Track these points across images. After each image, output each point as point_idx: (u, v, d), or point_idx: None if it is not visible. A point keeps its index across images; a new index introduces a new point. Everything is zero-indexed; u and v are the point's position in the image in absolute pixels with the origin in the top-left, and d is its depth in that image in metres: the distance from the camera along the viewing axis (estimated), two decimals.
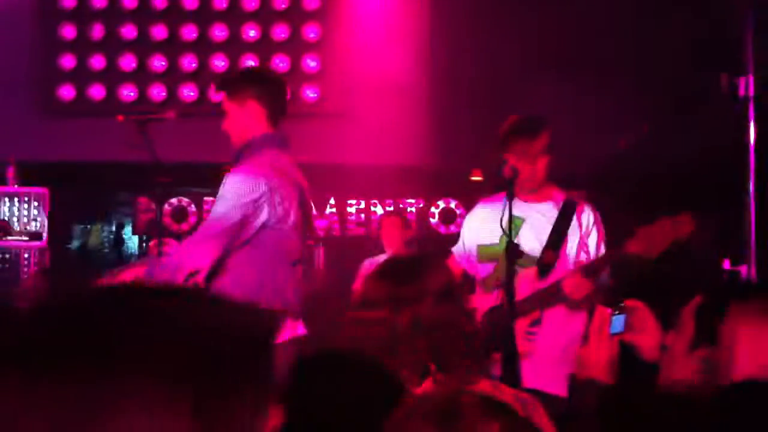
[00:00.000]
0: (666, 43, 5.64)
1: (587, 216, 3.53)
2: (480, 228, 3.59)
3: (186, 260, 3.19)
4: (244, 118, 3.37)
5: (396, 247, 5.65)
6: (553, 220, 3.50)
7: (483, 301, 3.32)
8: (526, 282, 3.33)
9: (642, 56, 6.01)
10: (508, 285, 3.09)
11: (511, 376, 2.98)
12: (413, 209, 7.13)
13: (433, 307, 1.92)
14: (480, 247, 3.57)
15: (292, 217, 3.33)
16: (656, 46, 5.81)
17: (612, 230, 3.59)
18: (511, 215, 3.13)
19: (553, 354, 3.32)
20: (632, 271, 3.57)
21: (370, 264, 5.55)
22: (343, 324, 2.01)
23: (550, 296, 3.35)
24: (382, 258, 5.48)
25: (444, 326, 1.92)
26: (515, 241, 3.19)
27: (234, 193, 3.23)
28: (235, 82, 3.50)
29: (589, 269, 3.31)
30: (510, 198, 3.15)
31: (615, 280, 3.50)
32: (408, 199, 7.11)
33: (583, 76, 5.58)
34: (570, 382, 2.81)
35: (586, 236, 3.50)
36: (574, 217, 3.50)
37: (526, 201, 3.45)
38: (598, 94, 5.51)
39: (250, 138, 3.36)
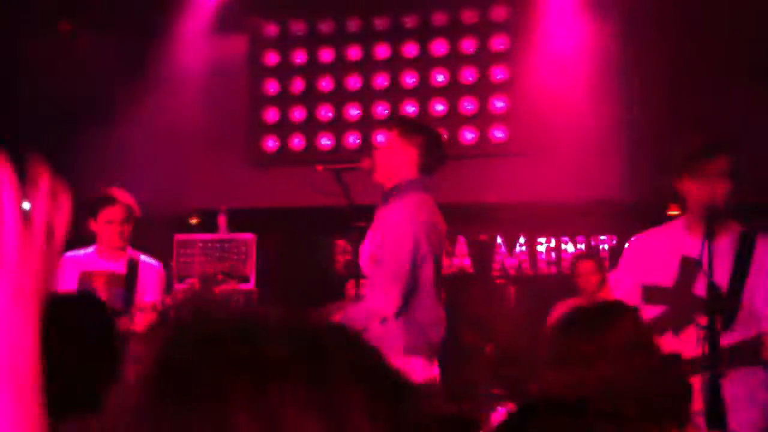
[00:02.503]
0: None
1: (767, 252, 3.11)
2: (647, 265, 3.23)
3: (374, 310, 3.42)
4: (401, 160, 3.61)
5: (591, 290, 5.54)
6: (731, 259, 3.07)
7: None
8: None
9: None
10: (711, 334, 2.79)
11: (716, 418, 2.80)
12: (606, 246, 6.98)
13: (627, 360, 1.85)
14: (647, 287, 3.21)
15: (436, 257, 3.52)
16: None
17: None
18: (710, 255, 2.85)
19: (742, 397, 3.02)
20: None
21: (562, 307, 5.48)
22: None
23: (745, 353, 2.93)
24: (573, 302, 5.41)
25: (644, 377, 1.86)
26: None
27: (401, 236, 3.43)
28: (409, 124, 3.75)
29: None
30: (710, 237, 2.88)
31: None
32: (600, 235, 6.96)
33: None
34: None
35: (765, 277, 3.07)
36: (754, 253, 3.08)
37: (700, 236, 2.97)
38: None
39: (399, 180, 3.56)
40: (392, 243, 3.49)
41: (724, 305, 2.97)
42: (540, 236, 7.06)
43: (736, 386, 2.94)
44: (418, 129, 3.80)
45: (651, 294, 3.17)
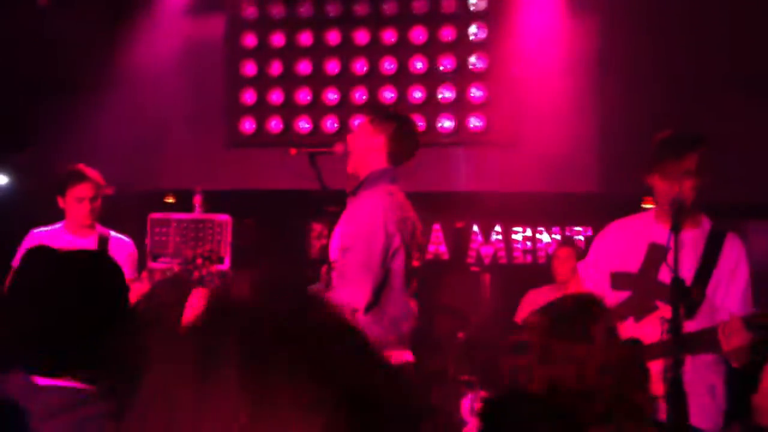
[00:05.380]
0: None
1: (735, 249, 3.21)
2: (616, 253, 3.32)
3: (345, 301, 3.42)
4: (372, 148, 3.62)
5: (565, 275, 5.57)
6: (699, 251, 3.17)
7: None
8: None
9: None
10: (674, 323, 2.85)
11: (678, 416, 2.84)
12: (581, 237, 7.03)
13: (605, 354, 1.89)
14: (614, 274, 3.30)
15: (407, 249, 3.51)
16: None
17: None
18: (677, 246, 2.92)
19: (700, 384, 3.10)
20: None
21: (535, 295, 5.50)
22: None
23: (703, 342, 3.00)
24: (546, 290, 5.44)
25: (623, 370, 1.90)
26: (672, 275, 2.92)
27: (373, 228, 3.42)
28: (384, 113, 3.75)
29: (754, 322, 2.94)
30: (676, 230, 2.94)
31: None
32: (576, 226, 7.01)
33: None
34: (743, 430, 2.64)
35: (731, 273, 3.16)
36: (722, 250, 3.17)
37: (669, 227, 3.07)
38: None
39: (369, 169, 3.58)
40: (364, 235, 3.48)
41: (686, 293, 3.03)
42: (516, 225, 7.09)
43: (694, 373, 3.01)
44: (389, 117, 3.79)
45: (617, 280, 3.26)
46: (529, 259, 7.02)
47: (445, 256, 6.98)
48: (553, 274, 5.69)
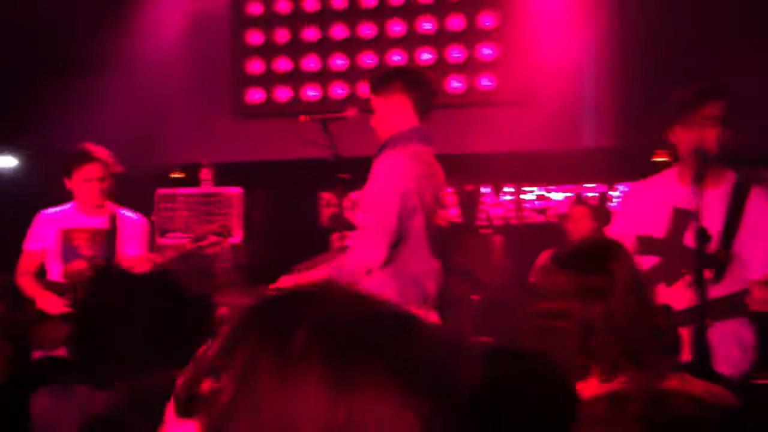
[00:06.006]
0: None
1: (761, 202, 3.05)
2: (641, 217, 3.18)
3: (360, 262, 3.38)
4: (392, 112, 3.53)
5: (581, 236, 5.47)
6: (724, 209, 3.02)
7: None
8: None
9: None
10: (699, 284, 2.74)
11: (703, 368, 2.78)
12: (595, 194, 6.96)
13: (623, 298, 1.79)
14: (641, 238, 3.15)
15: (431, 209, 3.48)
16: None
17: None
18: (700, 202, 2.78)
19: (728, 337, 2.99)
20: None
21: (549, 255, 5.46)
22: (525, 316, 1.91)
23: (732, 306, 2.88)
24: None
25: (636, 320, 1.80)
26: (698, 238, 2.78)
27: (388, 187, 3.39)
28: (382, 78, 3.66)
29: None
30: (699, 180, 2.81)
31: None
32: (588, 183, 6.93)
33: None
34: None
35: (756, 227, 3.01)
36: (746, 205, 3.03)
37: (692, 187, 2.88)
38: None
39: (395, 132, 3.50)
40: (379, 194, 3.46)
41: (713, 254, 2.92)
42: (527, 185, 7.03)
43: (722, 327, 2.91)
44: (399, 73, 3.74)
45: (645, 245, 3.13)
46: (541, 218, 6.96)
47: (458, 219, 6.95)
48: (567, 233, 5.61)
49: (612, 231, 3.33)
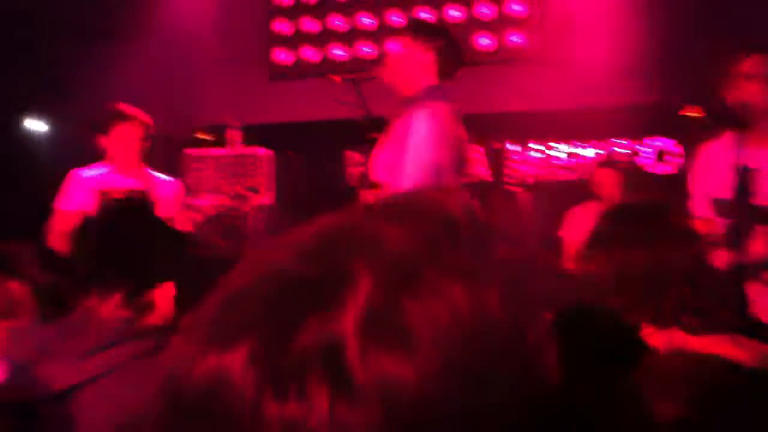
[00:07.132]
0: None
1: None
2: (708, 180, 3.17)
3: None
4: (417, 67, 3.54)
5: (612, 194, 5.41)
6: None
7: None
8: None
9: None
10: (738, 244, 2.79)
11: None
12: (626, 150, 6.90)
13: (682, 253, 1.77)
14: (715, 201, 3.13)
15: (457, 167, 3.49)
16: None
17: None
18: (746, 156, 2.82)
19: None
20: None
21: (581, 211, 5.43)
22: (556, 273, 1.93)
23: None
24: (592, 205, 5.36)
25: (695, 275, 1.78)
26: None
27: (421, 146, 3.39)
28: (425, 26, 3.63)
29: None
30: (742, 129, 2.85)
31: None
32: (618, 139, 6.87)
33: None
34: None
35: None
36: None
37: (748, 148, 2.90)
38: None
39: (418, 87, 3.51)
40: (413, 153, 3.45)
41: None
42: (557, 142, 6.99)
43: None
44: (436, 32, 3.71)
45: (717, 207, 3.14)
46: (571, 175, 6.93)
47: (489, 178, 6.94)
48: (596, 191, 5.55)
49: (692, 194, 3.32)
